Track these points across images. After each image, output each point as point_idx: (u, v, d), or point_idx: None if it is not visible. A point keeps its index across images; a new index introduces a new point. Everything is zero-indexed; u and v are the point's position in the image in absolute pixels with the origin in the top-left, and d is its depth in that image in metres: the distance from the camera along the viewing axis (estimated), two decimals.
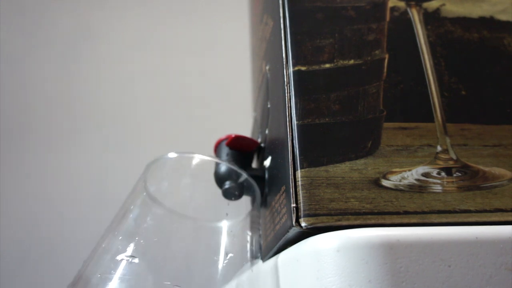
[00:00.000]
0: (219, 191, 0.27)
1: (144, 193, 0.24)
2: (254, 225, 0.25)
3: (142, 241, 0.23)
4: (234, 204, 0.26)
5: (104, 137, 0.67)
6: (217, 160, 0.27)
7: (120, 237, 0.23)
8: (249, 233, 0.25)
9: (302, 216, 0.20)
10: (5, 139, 0.65)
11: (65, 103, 0.68)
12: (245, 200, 0.27)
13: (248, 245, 0.24)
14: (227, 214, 0.25)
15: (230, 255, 0.23)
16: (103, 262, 0.22)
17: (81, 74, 0.70)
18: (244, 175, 0.26)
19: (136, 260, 0.22)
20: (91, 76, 0.70)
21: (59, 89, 0.69)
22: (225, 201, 0.26)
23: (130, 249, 0.22)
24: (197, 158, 0.26)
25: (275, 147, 0.25)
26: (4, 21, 0.71)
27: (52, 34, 0.72)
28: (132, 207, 0.24)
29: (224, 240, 0.24)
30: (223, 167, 0.29)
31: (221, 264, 0.23)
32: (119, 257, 0.22)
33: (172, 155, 0.26)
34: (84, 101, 0.68)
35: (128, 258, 0.22)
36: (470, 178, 0.21)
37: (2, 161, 0.64)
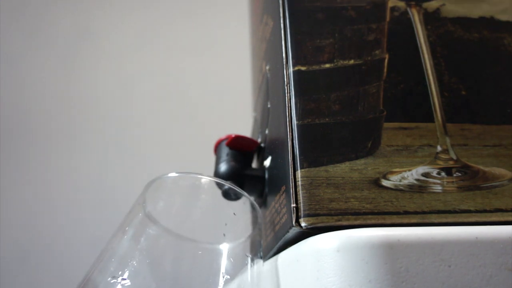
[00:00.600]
0: (218, 212, 0.27)
1: (141, 214, 0.24)
2: (254, 247, 0.25)
3: (135, 262, 0.23)
4: (232, 226, 0.26)
5: (104, 137, 0.67)
6: (218, 180, 0.26)
7: (113, 259, 0.23)
8: (249, 255, 0.24)
9: (302, 216, 0.20)
10: (5, 139, 0.65)
11: (65, 103, 0.68)
12: (245, 221, 0.26)
13: (248, 267, 0.24)
14: (224, 235, 0.25)
15: (226, 276, 0.23)
16: (97, 284, 0.22)
17: (81, 74, 0.70)
18: (246, 195, 0.26)
19: (128, 283, 0.22)
20: (91, 76, 0.70)
21: (59, 89, 0.69)
22: (224, 221, 0.26)
23: (123, 271, 0.22)
24: (196, 178, 0.26)
25: (275, 147, 0.25)
26: (4, 21, 0.71)
27: (52, 34, 0.72)
28: (127, 228, 0.24)
29: (223, 263, 0.23)
30: (223, 167, 0.29)
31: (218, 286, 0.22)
32: (111, 280, 0.22)
33: (171, 174, 0.25)
34: (84, 101, 0.68)
35: (120, 281, 0.22)
36: (470, 178, 0.21)
37: (2, 161, 0.64)
